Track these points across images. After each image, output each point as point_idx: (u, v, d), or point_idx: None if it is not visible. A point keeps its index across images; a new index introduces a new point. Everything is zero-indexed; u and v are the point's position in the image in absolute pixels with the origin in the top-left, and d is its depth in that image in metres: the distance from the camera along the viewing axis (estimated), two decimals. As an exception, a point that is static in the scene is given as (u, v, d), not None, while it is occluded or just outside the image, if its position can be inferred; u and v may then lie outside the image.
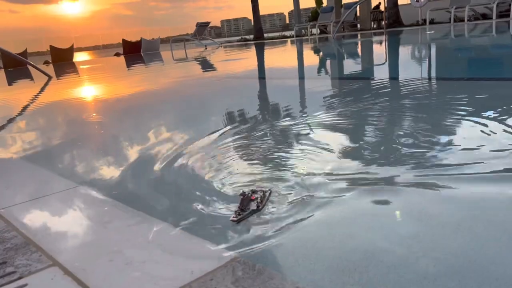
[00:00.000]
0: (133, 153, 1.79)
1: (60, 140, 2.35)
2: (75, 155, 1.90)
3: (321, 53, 7.89)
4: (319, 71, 4.86)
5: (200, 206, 1.12)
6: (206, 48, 15.06)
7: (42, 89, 5.74)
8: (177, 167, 1.50)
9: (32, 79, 8.30)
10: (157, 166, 1.52)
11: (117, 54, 17.70)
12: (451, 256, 0.77)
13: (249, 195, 1.09)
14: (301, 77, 4.36)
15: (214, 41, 19.40)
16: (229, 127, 2.08)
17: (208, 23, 17.49)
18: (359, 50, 7.90)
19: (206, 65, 7.82)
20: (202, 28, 16.67)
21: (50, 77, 7.27)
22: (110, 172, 1.56)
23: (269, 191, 1.14)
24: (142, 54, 16.13)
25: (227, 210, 1.07)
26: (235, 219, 1.00)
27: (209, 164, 1.48)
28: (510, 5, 9.93)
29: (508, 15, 10.01)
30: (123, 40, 17.73)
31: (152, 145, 1.88)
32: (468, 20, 10.93)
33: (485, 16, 11.31)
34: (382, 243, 0.84)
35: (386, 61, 5.14)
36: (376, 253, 0.80)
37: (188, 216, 1.07)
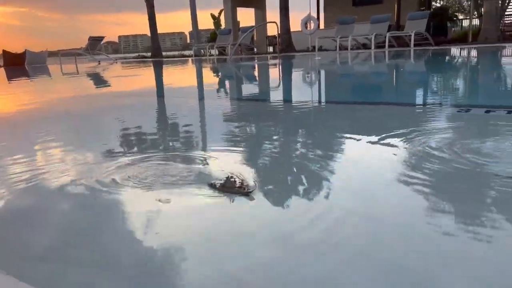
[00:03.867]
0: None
1: None
2: None
3: (218, 74, 8.01)
4: (207, 90, 4.91)
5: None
6: (99, 64, 14.36)
7: None
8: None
9: None
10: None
11: (-4, 66, 16.02)
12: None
13: (231, 178, 1.25)
14: (187, 96, 4.36)
15: (109, 57, 18.65)
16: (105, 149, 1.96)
17: (102, 37, 16.73)
18: (253, 72, 8.18)
19: (96, 81, 7.44)
20: (96, 42, 15.87)
21: None
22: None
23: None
24: (26, 67, 14.81)
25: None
26: (250, 191, 1.15)
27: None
28: (385, 37, 11.17)
29: (384, 46, 11.24)
30: (4, 51, 16.16)
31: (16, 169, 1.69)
32: (351, 49, 12.00)
33: (365, 46, 12.54)
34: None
35: (279, 84, 5.38)
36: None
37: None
